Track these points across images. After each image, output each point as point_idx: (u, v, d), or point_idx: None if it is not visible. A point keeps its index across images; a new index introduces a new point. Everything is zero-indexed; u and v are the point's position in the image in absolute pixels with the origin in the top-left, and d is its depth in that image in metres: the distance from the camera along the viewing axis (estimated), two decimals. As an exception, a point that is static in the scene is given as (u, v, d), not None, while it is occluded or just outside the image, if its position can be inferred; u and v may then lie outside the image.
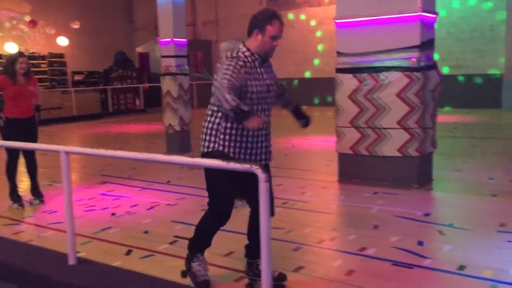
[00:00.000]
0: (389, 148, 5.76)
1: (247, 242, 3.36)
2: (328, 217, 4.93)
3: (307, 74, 18.30)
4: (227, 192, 3.09)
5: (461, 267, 3.48)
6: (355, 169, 6.03)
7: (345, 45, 6.01)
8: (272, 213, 3.23)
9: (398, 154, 5.71)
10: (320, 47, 17.89)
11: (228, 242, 4.18)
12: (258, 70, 3.10)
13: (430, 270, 3.49)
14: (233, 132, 3.04)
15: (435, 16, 5.87)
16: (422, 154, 5.72)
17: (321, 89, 17.48)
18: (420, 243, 3.99)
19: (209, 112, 3.12)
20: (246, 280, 3.34)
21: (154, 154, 3.10)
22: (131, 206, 5.45)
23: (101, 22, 20.54)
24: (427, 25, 5.70)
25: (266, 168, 3.16)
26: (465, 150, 8.19)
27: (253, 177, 3.14)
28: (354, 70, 5.90)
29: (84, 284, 3.15)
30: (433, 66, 5.79)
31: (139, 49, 21.11)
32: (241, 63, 2.99)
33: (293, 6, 18.34)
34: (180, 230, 4.58)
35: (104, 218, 5.04)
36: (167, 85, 9.18)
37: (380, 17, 5.70)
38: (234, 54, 3.06)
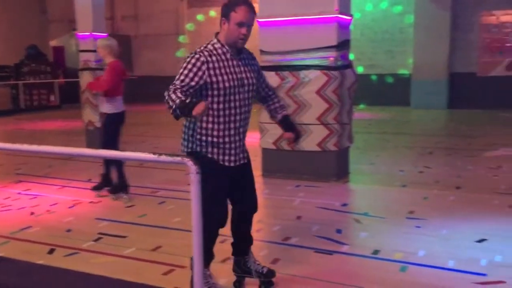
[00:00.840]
0: (310, 143, 6.03)
1: (232, 240, 3.27)
2: (253, 210, 5.07)
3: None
4: (220, 192, 2.95)
5: (375, 252, 3.77)
6: (278, 163, 6.24)
7: (267, 44, 6.19)
8: (255, 208, 3.23)
9: (318, 149, 6.00)
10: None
11: (154, 236, 4.20)
12: (230, 62, 2.86)
13: (348, 255, 3.75)
14: (209, 132, 2.88)
15: (350, 18, 6.22)
16: (340, 148, 6.05)
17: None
18: (339, 231, 4.25)
19: None
20: (233, 278, 3.27)
21: (82, 149, 3.05)
22: (50, 205, 5.26)
23: (10, 13, 19.31)
24: (343, 27, 6.03)
25: (248, 166, 3.10)
26: (379, 145, 8.73)
27: (245, 174, 3.08)
28: (276, 68, 6.10)
29: (8, 282, 3.03)
30: (349, 65, 6.14)
31: (54, 43, 20.14)
32: (202, 58, 2.77)
33: (215, 4, 18.39)
34: (104, 227, 4.51)
35: (22, 218, 4.83)
36: (86, 80, 8.89)
37: (300, 17, 5.95)
38: (201, 48, 2.84)
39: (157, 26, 18.90)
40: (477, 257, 3.63)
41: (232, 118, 2.89)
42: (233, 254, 3.27)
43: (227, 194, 3.04)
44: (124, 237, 4.21)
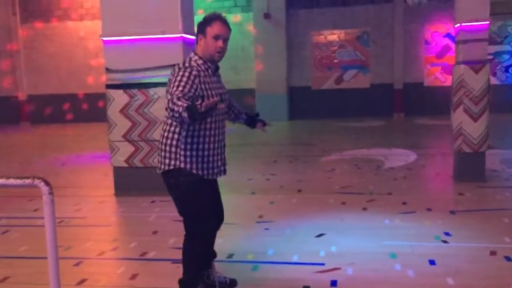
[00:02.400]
0: (162, 159, 6.13)
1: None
2: (108, 230, 5.02)
3: (75, 90, 17.58)
4: (208, 205, 3.04)
5: (230, 255, 4.05)
6: (131, 181, 6.22)
7: (113, 62, 6.17)
8: (223, 219, 3.38)
9: (171, 164, 6.13)
10: (86, 62, 17.43)
11: (0, 268, 3.93)
12: (211, 79, 2.99)
13: (205, 262, 3.95)
14: (194, 147, 2.92)
15: (194, 37, 6.51)
16: (192, 162, 6.26)
17: (91, 104, 17.05)
18: (195, 241, 4.44)
19: (166, 127, 2.96)
20: None
21: None
22: None
23: None
24: (189, 45, 6.29)
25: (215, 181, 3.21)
26: (228, 157, 9.12)
27: (216, 186, 3.23)
28: (124, 86, 6.11)
29: None
30: (196, 82, 6.41)
31: None
32: (194, 72, 2.85)
33: (51, 19, 17.43)
34: None
35: None
36: None
37: (145, 36, 6.06)
38: (187, 64, 2.91)
39: (-14, 42, 17.27)
40: (316, 250, 4.11)
41: (216, 132, 3.00)
42: None
43: (213, 205, 3.14)
44: (-36, 272, 3.86)
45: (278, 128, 13.79)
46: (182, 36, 6.05)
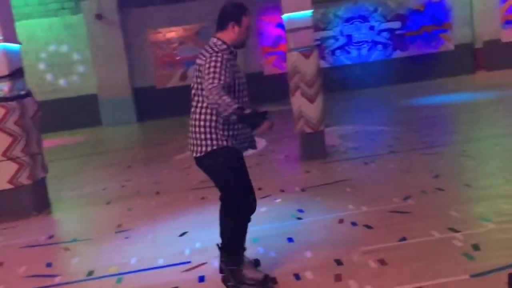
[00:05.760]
0: (-1, 182, 5.53)
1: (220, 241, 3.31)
2: None
3: None
4: (247, 178, 3.22)
5: (90, 273, 3.82)
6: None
7: None
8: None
9: (10, 186, 5.57)
10: None
11: None
12: (235, 62, 3.12)
13: (62, 285, 3.68)
14: (231, 126, 3.06)
15: (19, 45, 5.95)
16: (35, 180, 5.76)
17: None
18: (49, 265, 4.11)
19: (198, 110, 3.07)
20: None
21: None
22: None
23: None
24: (13, 55, 5.73)
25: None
26: (77, 169, 8.61)
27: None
28: None
29: None
30: (27, 94, 5.87)
31: None
32: (225, 56, 2.98)
33: None
34: None
35: None
36: None
37: (-42, 48, 5.36)
38: (216, 48, 3.01)
39: None
40: (181, 249, 4.08)
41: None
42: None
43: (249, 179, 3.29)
44: None
45: (128, 132, 13.36)
46: (3, 46, 5.47)
